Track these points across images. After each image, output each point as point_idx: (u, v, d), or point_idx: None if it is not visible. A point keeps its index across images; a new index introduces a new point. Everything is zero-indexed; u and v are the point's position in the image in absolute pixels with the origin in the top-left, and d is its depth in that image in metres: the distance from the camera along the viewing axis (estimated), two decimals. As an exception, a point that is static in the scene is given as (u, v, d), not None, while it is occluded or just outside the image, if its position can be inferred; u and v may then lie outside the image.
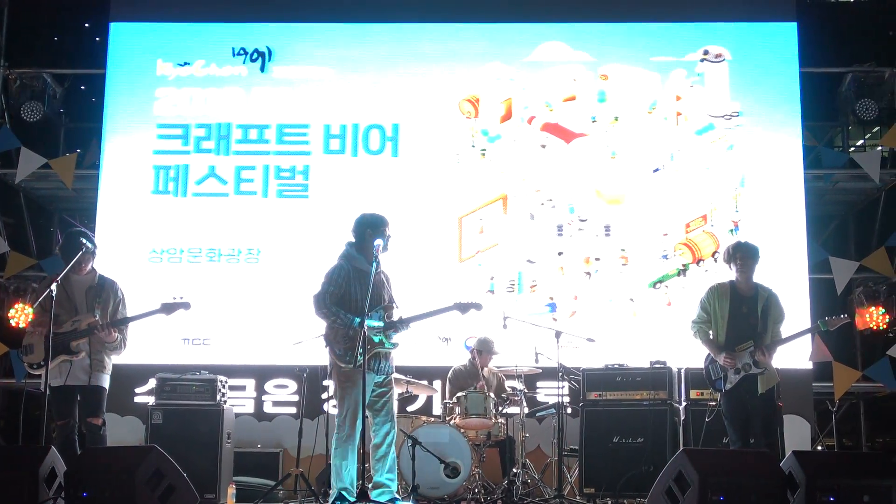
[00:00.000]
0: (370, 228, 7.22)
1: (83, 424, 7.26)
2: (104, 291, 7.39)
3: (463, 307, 7.30)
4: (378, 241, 7.11)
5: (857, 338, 11.20)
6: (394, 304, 7.24)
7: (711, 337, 7.65)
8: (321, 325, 8.31)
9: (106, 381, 7.37)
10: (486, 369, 9.42)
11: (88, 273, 7.43)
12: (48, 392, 7.01)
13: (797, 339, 7.78)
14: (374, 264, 7.02)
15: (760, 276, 7.81)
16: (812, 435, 10.07)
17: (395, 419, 7.35)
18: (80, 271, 7.35)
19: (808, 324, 9.30)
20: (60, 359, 7.15)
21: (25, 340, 7.30)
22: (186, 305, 7.41)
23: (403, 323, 7.20)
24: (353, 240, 7.26)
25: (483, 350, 9.37)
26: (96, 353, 7.24)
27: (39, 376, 7.12)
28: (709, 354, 7.67)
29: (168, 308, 7.37)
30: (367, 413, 7.05)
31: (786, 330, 7.65)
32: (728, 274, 7.81)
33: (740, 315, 7.59)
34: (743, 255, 7.64)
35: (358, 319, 6.92)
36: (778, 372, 7.58)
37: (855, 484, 5.87)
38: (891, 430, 14.24)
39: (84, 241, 7.33)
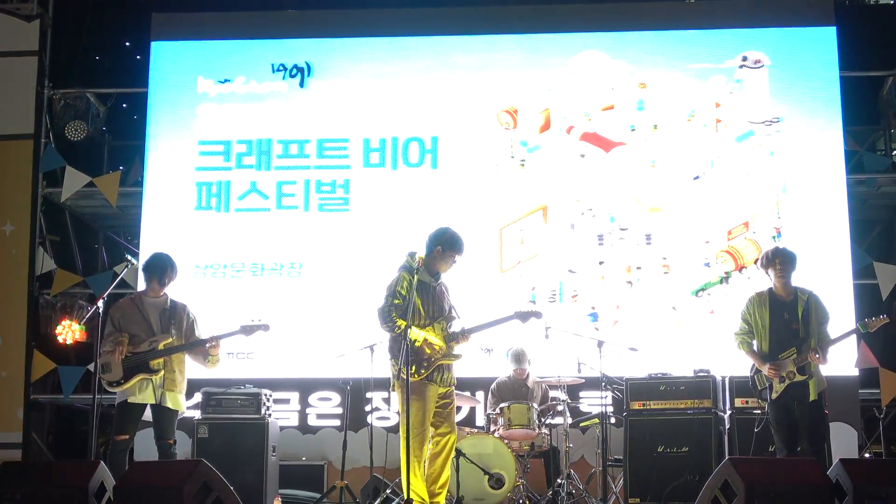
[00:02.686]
0: (441, 245, 7.26)
1: (156, 443, 7.45)
2: (177, 314, 7.67)
3: (523, 316, 7.36)
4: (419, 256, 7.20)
5: (903, 343, 11.06)
6: (454, 315, 7.28)
7: (755, 347, 7.62)
8: (365, 338, 8.46)
9: (180, 403, 7.56)
10: (530, 380, 9.43)
11: (160, 296, 7.64)
12: (107, 407, 7.25)
13: (842, 345, 7.75)
14: (415, 273, 7.09)
15: (805, 281, 7.78)
16: (859, 442, 9.96)
17: (456, 430, 7.38)
18: (155, 293, 7.59)
19: (853, 330, 9.23)
20: (140, 377, 7.37)
21: (102, 360, 7.45)
22: (265, 327, 7.83)
23: (464, 334, 7.24)
24: (417, 250, 7.27)
25: (513, 363, 9.38)
26: (170, 372, 7.48)
27: (115, 393, 7.43)
28: (753, 364, 7.64)
29: (247, 330, 7.67)
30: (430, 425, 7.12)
31: (832, 331, 7.60)
32: (766, 281, 7.78)
33: (782, 322, 7.55)
34: (782, 261, 7.61)
35: (417, 330, 6.98)
36: (824, 378, 7.54)
37: (904, 491, 5.82)
38: (939, 436, 14.04)
39: (167, 265, 7.58)
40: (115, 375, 7.35)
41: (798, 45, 10.70)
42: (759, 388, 7.59)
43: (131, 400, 7.39)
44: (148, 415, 7.54)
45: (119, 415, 7.43)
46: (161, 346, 7.46)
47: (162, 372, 7.44)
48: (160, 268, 7.68)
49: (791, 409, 7.45)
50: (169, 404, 7.46)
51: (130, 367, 7.37)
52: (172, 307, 7.69)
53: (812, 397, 7.39)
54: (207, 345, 7.55)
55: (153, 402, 7.42)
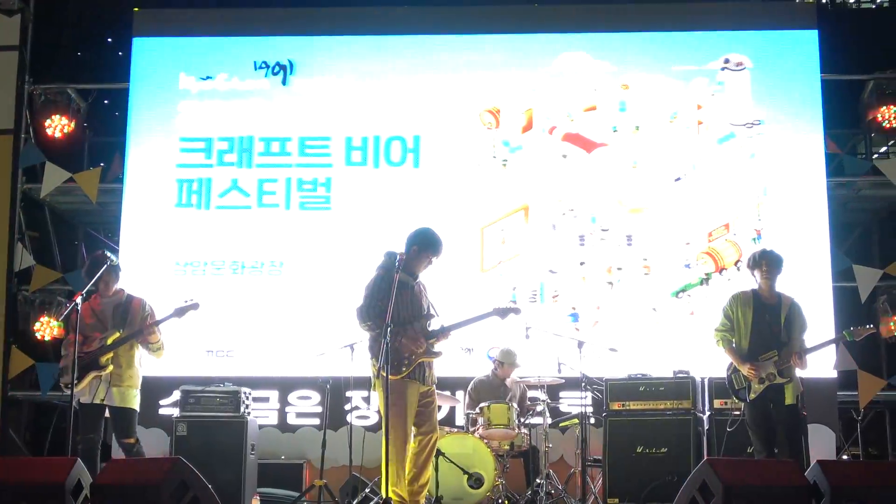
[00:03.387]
0: (418, 245, 7.23)
1: (119, 444, 7.44)
2: (132, 308, 7.62)
3: (502, 312, 7.33)
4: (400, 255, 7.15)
5: (882, 346, 11.10)
6: (433, 314, 7.27)
7: (734, 346, 7.64)
8: (346, 337, 8.44)
9: (134, 401, 7.56)
10: (509, 380, 9.44)
11: (116, 293, 7.61)
12: (76, 407, 7.22)
13: (823, 348, 7.78)
14: (396, 272, 7.04)
15: (784, 283, 7.80)
16: (837, 444, 10.00)
17: (438, 429, 7.36)
18: (106, 292, 7.56)
19: (831, 332, 9.28)
20: (91, 375, 7.35)
21: (62, 363, 7.44)
22: (195, 306, 7.71)
23: (444, 331, 7.22)
24: (394, 249, 7.23)
25: (505, 362, 9.39)
26: (116, 367, 7.48)
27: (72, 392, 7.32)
28: (731, 364, 7.65)
29: (180, 311, 7.59)
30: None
31: (809, 339, 7.63)
32: (750, 282, 7.80)
33: (763, 323, 7.58)
34: (768, 263, 7.63)
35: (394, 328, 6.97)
36: (801, 381, 7.56)
37: (880, 493, 5.83)
38: (917, 438, 14.09)
39: (104, 260, 7.50)
40: (69, 377, 7.31)
41: (780, 47, 10.74)
42: (737, 387, 7.61)
43: (83, 400, 7.43)
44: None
45: (81, 416, 7.43)
46: (109, 342, 7.44)
47: (111, 367, 7.41)
48: (92, 271, 7.56)
49: (768, 411, 7.48)
50: (116, 401, 7.42)
51: (82, 366, 7.33)
52: (128, 301, 7.68)
53: (789, 401, 7.41)
54: (142, 331, 7.50)
55: (100, 400, 7.39)
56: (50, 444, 11.32)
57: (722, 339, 7.70)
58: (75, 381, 7.24)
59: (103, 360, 7.39)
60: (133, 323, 7.58)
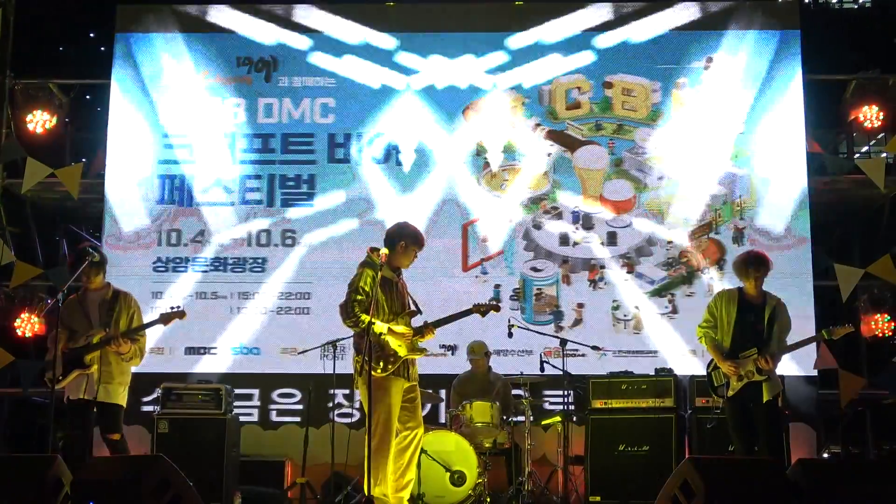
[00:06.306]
0: (406, 241, 7.23)
1: (103, 440, 7.37)
2: (117, 304, 7.51)
3: (482, 309, 7.36)
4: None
5: (862, 345, 11.15)
6: (416, 310, 7.27)
7: (717, 343, 7.66)
8: (328, 334, 8.43)
9: (120, 397, 7.48)
10: (491, 373, 9.42)
11: (102, 287, 7.54)
12: (64, 403, 7.18)
13: (802, 347, 7.80)
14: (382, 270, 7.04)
15: (765, 282, 7.82)
16: (818, 443, 10.05)
17: (423, 424, 7.36)
18: (91, 285, 7.48)
19: (812, 331, 9.31)
20: (76, 373, 7.28)
21: (48, 357, 7.38)
22: (181, 314, 7.58)
23: (428, 328, 7.23)
24: (379, 245, 7.21)
25: (472, 357, 9.37)
26: (105, 364, 7.37)
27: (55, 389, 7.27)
28: (711, 361, 7.68)
29: (165, 318, 7.51)
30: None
31: (791, 339, 7.65)
32: (736, 280, 7.82)
33: (747, 322, 7.59)
34: (758, 267, 7.63)
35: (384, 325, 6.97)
36: (783, 379, 7.58)
37: (861, 491, 5.86)
38: (897, 437, 14.21)
39: (86, 255, 7.42)
40: (56, 372, 7.27)
41: (763, 48, 10.76)
42: (716, 384, 7.63)
43: (73, 396, 7.36)
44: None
45: (69, 411, 7.39)
46: (95, 341, 7.38)
47: (96, 366, 7.33)
48: (75, 267, 7.49)
49: (747, 409, 7.49)
50: (104, 398, 7.35)
51: (67, 362, 7.30)
52: (113, 298, 7.56)
53: (765, 398, 7.43)
54: (110, 340, 7.34)
55: (90, 397, 7.33)
56: (34, 441, 11.28)
57: (705, 336, 7.71)
58: (60, 378, 7.24)
59: (87, 358, 7.33)
60: (119, 321, 7.51)
